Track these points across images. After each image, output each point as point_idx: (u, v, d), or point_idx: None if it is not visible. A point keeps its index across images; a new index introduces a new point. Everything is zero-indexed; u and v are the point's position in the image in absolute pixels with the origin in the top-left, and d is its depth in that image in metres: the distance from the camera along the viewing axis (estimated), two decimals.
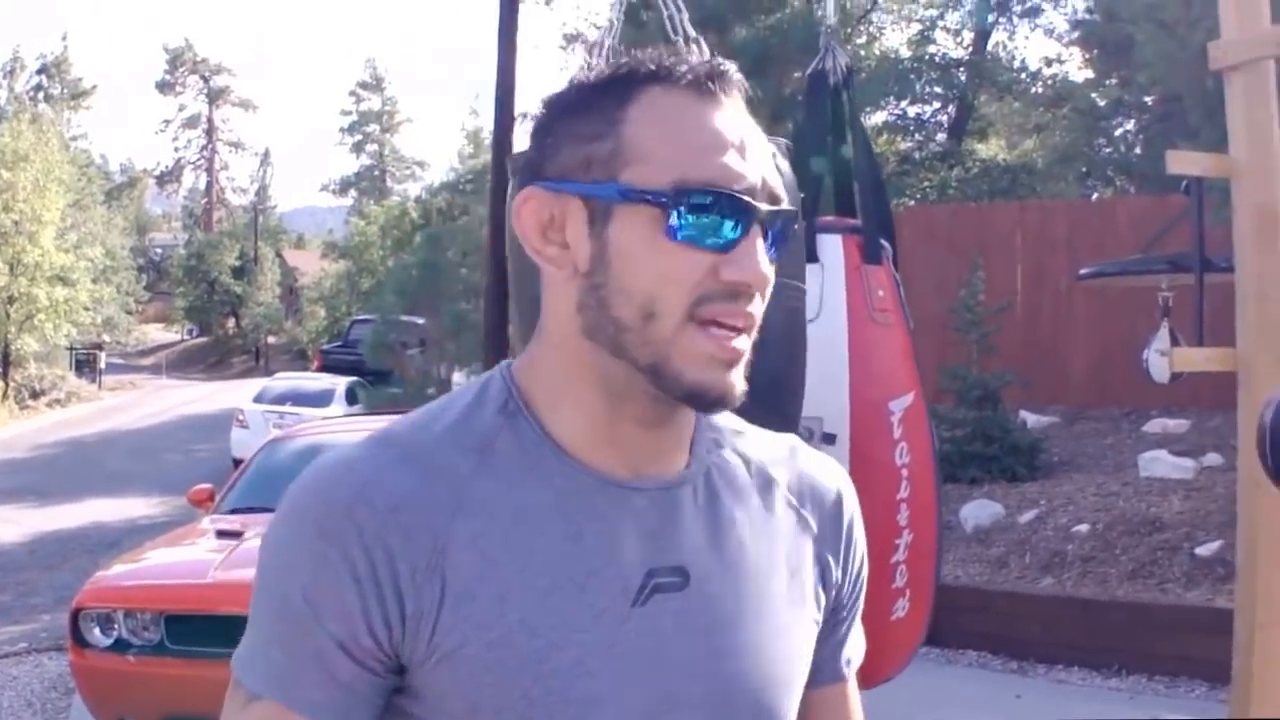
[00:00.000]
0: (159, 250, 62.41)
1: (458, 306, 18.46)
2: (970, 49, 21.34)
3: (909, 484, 3.76)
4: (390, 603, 0.99)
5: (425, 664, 1.00)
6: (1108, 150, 18.24)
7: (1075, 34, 19.35)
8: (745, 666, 1.08)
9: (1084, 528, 8.11)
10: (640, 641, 1.03)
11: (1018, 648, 7.37)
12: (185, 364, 51.33)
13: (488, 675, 0.99)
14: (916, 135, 20.93)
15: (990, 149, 22.15)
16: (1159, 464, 9.06)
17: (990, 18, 20.43)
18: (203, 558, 5.80)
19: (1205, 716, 5.87)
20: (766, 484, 1.15)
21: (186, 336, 58.19)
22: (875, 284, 3.87)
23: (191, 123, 68.28)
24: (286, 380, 23.26)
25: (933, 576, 3.94)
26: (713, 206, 1.00)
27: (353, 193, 63.73)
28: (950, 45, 21.64)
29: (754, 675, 1.08)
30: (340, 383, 21.38)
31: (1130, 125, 17.88)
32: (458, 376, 19.10)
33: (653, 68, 1.04)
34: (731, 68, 1.06)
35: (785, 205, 1.05)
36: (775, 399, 2.83)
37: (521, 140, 12.18)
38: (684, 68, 1.04)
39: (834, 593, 1.19)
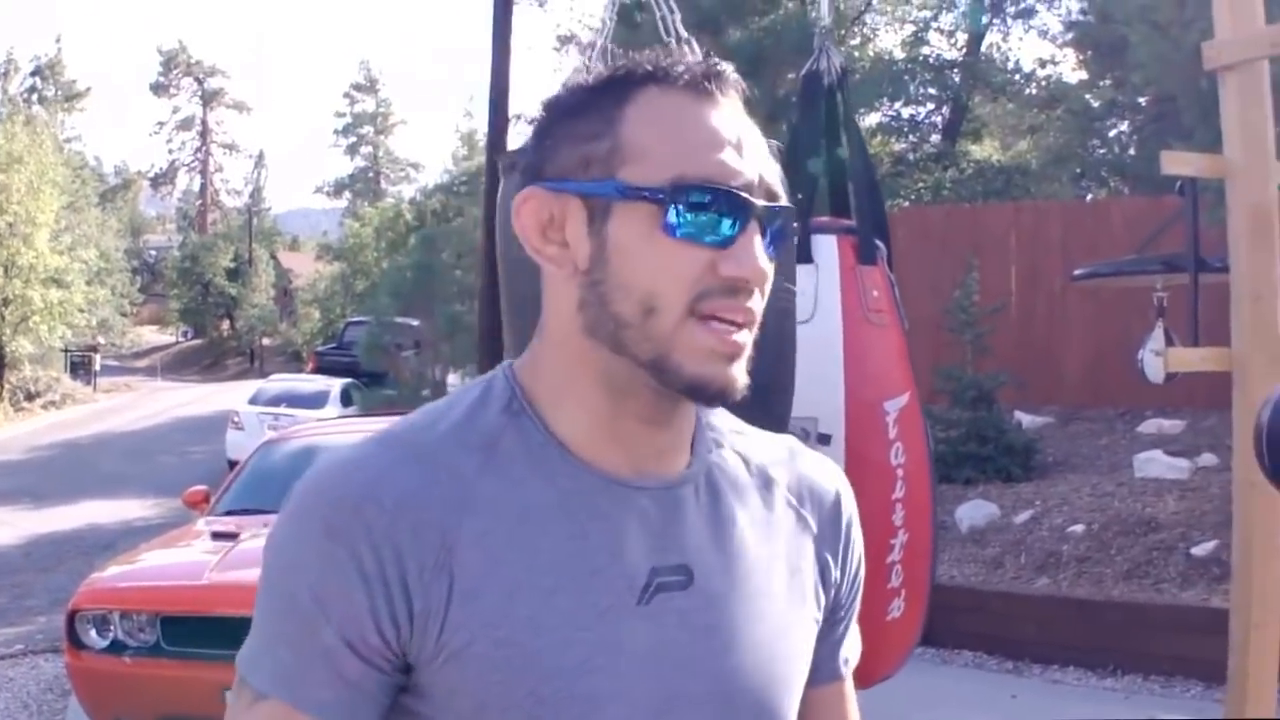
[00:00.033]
0: (153, 252, 62.33)
1: (452, 308, 18.48)
2: (964, 50, 21.36)
3: (904, 484, 3.77)
4: (398, 601, 0.99)
5: (433, 662, 1.00)
6: (1102, 151, 18.28)
7: (1069, 35, 19.39)
8: (748, 665, 1.08)
9: (1079, 528, 8.12)
10: (645, 640, 1.03)
11: (1013, 648, 7.38)
12: (180, 366, 51.26)
13: (495, 673, 0.99)
14: (911, 136, 20.92)
15: (984, 150, 22.16)
16: (1154, 464, 9.07)
17: (984, 19, 20.44)
18: (198, 559, 5.80)
19: (1201, 716, 5.87)
20: (767, 484, 1.15)
21: (181, 338, 58.08)
22: (870, 284, 3.88)
23: (186, 125, 68.14)
24: (281, 382, 23.22)
25: (928, 576, 3.95)
26: (710, 203, 1.00)
27: (347, 194, 63.59)
28: (944, 46, 21.68)
29: (756, 673, 1.09)
30: (335, 384, 21.38)
31: (1124, 126, 17.93)
32: (452, 378, 19.11)
33: (650, 68, 1.05)
34: (728, 68, 1.07)
35: (783, 202, 1.05)
36: (764, 399, 2.83)
37: (516, 142, 12.20)
38: (681, 68, 1.04)
39: (833, 592, 1.19)
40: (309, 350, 37.10)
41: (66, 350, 36.46)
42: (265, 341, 49.74)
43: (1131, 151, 16.89)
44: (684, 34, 3.41)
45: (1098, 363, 11.37)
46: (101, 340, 40.04)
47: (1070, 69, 20.54)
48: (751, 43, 12.23)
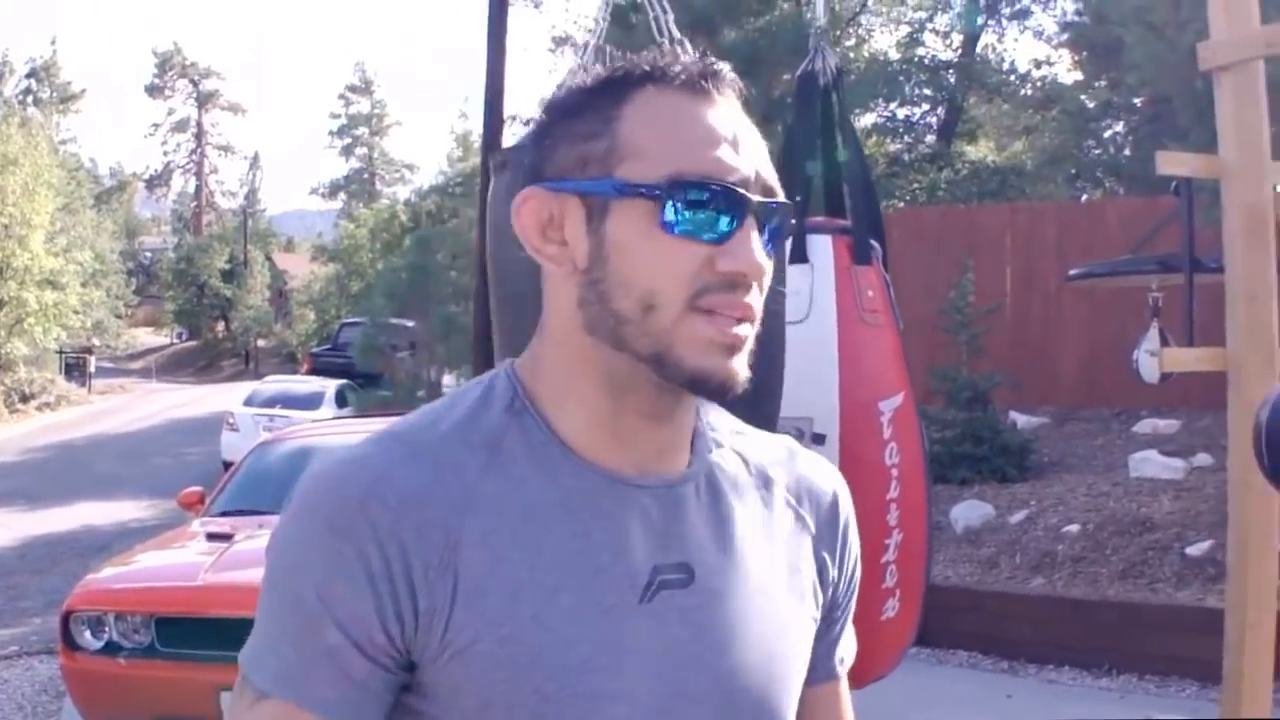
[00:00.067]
0: (148, 254, 62.26)
1: (447, 309, 18.49)
2: (959, 51, 21.39)
3: (899, 484, 3.76)
4: (404, 599, 0.99)
5: (437, 660, 1.00)
6: (1097, 152, 18.30)
7: (1064, 36, 19.41)
8: (748, 663, 1.08)
9: (1074, 528, 8.13)
10: (648, 638, 1.04)
11: (1008, 648, 7.38)
12: (175, 367, 51.18)
13: (500, 671, 1.00)
14: (906, 137, 20.95)
15: (980, 151, 22.20)
16: (1149, 464, 9.08)
17: (979, 20, 20.47)
18: (193, 560, 5.80)
19: (1196, 716, 5.88)
20: (766, 484, 1.16)
21: (176, 340, 57.99)
22: (865, 285, 3.88)
23: (181, 126, 68.13)
24: (276, 383, 23.21)
25: (923, 576, 3.95)
26: (707, 200, 1.01)
27: (342, 196, 63.59)
28: (939, 47, 21.70)
29: (757, 671, 1.09)
30: (330, 386, 21.39)
31: (1119, 127, 17.94)
32: (447, 379, 19.13)
33: (647, 68, 1.05)
34: (725, 67, 1.07)
35: (780, 199, 1.06)
36: (752, 400, 2.84)
37: (511, 142, 12.18)
38: (678, 68, 1.05)
39: (830, 592, 1.20)
40: (304, 352, 37.09)
41: (61, 352, 36.43)
42: (260, 343, 49.70)
43: (1127, 152, 16.91)
44: (677, 35, 3.42)
45: (1093, 363, 11.38)
46: (96, 342, 39.99)
47: (1065, 70, 20.61)
48: (747, 43, 12.25)
